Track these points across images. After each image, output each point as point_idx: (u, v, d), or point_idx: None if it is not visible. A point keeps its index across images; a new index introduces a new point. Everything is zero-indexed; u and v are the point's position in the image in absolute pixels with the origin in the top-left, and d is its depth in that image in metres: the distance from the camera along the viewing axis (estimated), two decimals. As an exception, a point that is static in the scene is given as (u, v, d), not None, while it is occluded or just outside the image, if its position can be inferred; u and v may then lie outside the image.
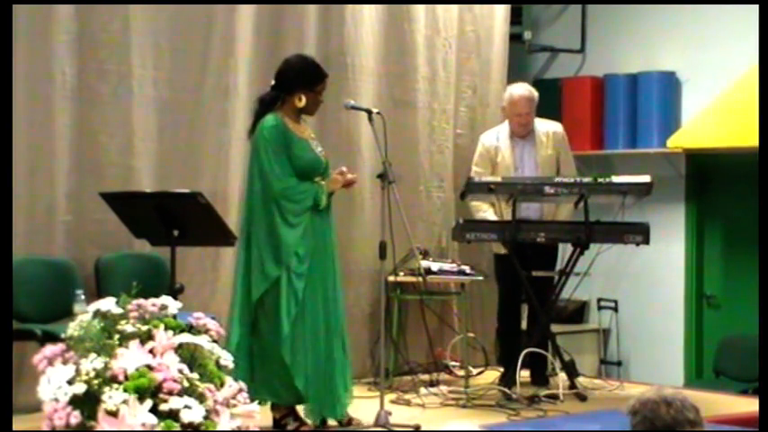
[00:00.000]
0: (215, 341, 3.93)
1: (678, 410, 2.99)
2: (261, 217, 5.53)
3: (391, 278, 6.60)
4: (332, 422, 5.58)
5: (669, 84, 8.13)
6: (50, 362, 3.69)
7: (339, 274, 5.71)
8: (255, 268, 5.52)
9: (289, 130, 5.56)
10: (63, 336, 3.79)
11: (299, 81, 5.60)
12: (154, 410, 3.53)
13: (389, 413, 5.58)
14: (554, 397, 6.33)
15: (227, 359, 3.88)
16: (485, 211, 6.80)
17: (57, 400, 3.55)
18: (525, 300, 6.82)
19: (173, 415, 3.54)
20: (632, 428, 3.03)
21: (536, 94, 6.88)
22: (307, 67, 5.67)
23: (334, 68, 6.66)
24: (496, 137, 6.91)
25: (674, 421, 2.98)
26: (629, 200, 6.50)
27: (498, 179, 6.57)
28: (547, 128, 6.91)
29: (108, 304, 3.85)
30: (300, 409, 5.58)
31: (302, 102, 5.58)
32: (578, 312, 8.46)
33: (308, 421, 5.55)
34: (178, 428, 3.52)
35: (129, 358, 3.62)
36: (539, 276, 6.69)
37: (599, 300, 8.41)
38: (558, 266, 6.83)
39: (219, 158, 6.61)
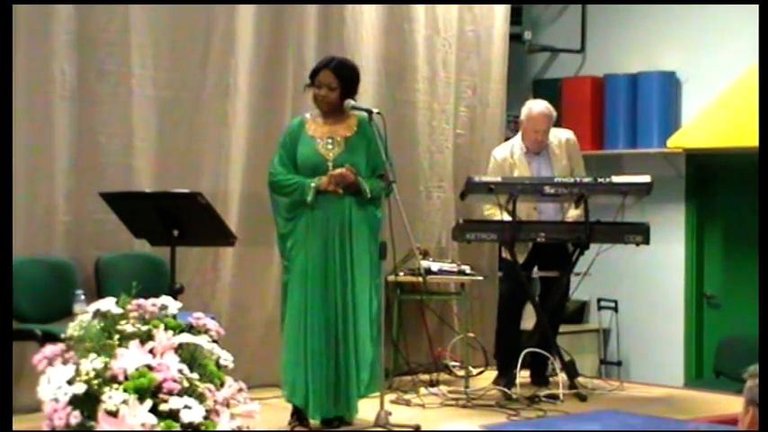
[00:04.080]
0: (215, 341, 3.93)
1: None
2: None
3: (391, 278, 6.59)
4: (313, 421, 5.56)
5: (669, 84, 8.13)
6: (50, 362, 3.68)
7: (362, 278, 5.59)
8: None
9: (303, 128, 5.63)
10: (63, 336, 3.79)
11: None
12: (154, 410, 3.53)
13: (389, 413, 5.57)
14: (554, 397, 6.33)
15: (226, 359, 3.88)
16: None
17: (57, 400, 3.54)
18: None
19: (173, 415, 3.54)
20: (745, 392, 2.98)
21: (554, 113, 6.81)
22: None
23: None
24: (510, 151, 6.79)
25: None
26: (629, 200, 6.49)
27: (498, 179, 6.56)
28: (559, 137, 6.82)
29: (108, 304, 3.85)
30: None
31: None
32: (578, 312, 8.46)
33: (311, 420, 5.56)
34: (178, 428, 3.52)
35: (129, 358, 3.62)
36: (549, 277, 6.69)
37: (599, 300, 8.40)
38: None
39: (219, 158, 6.61)
